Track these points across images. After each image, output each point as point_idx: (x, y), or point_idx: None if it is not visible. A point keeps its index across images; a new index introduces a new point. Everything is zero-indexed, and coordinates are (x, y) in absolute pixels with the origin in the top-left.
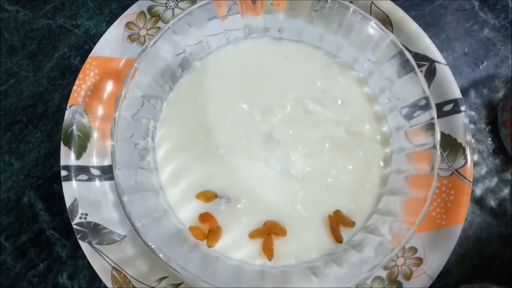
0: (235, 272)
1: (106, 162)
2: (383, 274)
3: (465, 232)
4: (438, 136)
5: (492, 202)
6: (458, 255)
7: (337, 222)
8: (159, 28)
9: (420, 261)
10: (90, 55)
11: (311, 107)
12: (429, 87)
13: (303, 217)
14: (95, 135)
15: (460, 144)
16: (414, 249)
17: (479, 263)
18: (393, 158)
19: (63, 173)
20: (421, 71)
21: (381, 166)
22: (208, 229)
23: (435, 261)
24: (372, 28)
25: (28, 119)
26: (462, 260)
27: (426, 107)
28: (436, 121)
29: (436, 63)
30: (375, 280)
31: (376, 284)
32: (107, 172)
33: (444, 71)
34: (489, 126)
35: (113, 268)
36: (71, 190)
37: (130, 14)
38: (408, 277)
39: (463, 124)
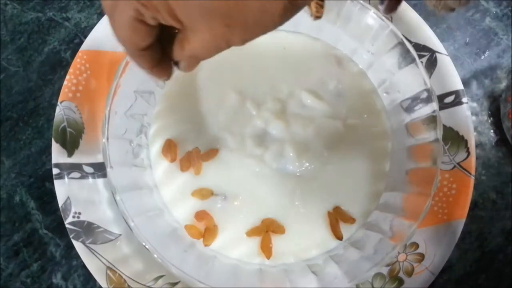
0: (233, 271)
1: (99, 159)
2: (384, 270)
3: (467, 226)
4: (440, 130)
5: (494, 196)
6: (460, 251)
7: (336, 219)
8: None
9: (421, 257)
10: (80, 49)
11: (308, 100)
12: (429, 78)
13: (302, 214)
14: (87, 131)
15: (462, 136)
16: (415, 245)
17: (481, 258)
18: (393, 153)
19: (55, 171)
20: (421, 62)
21: (381, 160)
22: (204, 227)
23: (437, 257)
24: (372, 18)
25: (18, 116)
26: (465, 256)
27: (428, 99)
28: (438, 114)
29: (437, 54)
30: (376, 277)
31: (377, 281)
32: (101, 169)
33: (445, 61)
34: (491, 118)
35: (108, 267)
36: (64, 188)
37: None
38: (409, 273)
39: (465, 116)
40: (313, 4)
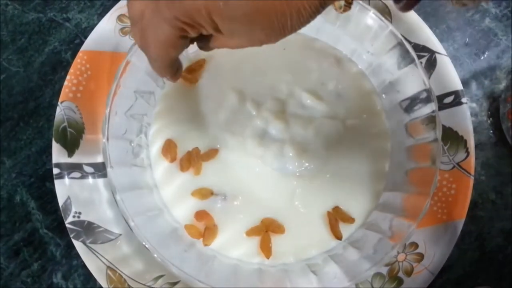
0: (232, 271)
1: (99, 159)
2: (384, 270)
3: (467, 226)
4: (439, 130)
5: (494, 196)
6: (460, 251)
7: (336, 219)
8: None
9: (421, 256)
10: (81, 49)
11: (308, 101)
12: (429, 78)
13: (302, 214)
14: (87, 131)
15: (462, 137)
16: (415, 245)
17: (481, 258)
18: (393, 153)
19: (55, 171)
20: (421, 62)
21: (381, 161)
22: (204, 227)
23: (437, 257)
24: (371, 18)
25: (19, 116)
26: (464, 256)
27: (427, 99)
28: (437, 114)
29: (436, 54)
30: (375, 277)
31: (377, 281)
32: (101, 169)
33: (445, 62)
34: (490, 118)
35: (108, 267)
36: (64, 188)
37: (122, 6)
38: (409, 273)
39: (465, 117)
40: (337, 4)
